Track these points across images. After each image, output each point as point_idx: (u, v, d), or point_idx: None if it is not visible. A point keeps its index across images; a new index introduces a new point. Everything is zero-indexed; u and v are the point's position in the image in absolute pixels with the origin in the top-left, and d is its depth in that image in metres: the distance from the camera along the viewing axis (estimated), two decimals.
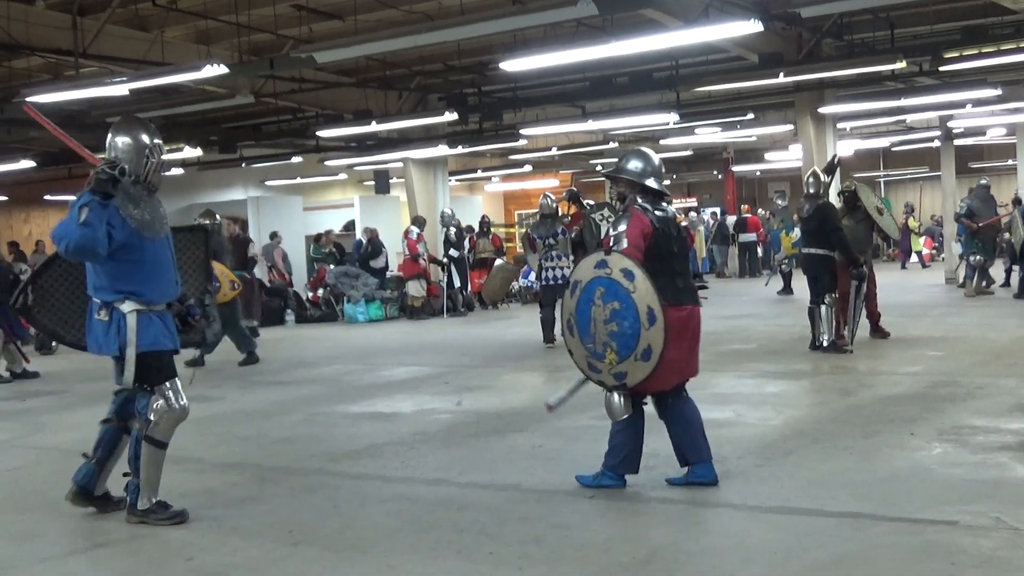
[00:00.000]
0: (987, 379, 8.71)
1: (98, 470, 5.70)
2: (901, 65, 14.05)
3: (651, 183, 5.71)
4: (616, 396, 5.58)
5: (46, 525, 5.65)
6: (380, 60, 16.31)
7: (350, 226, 23.66)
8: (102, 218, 5.25)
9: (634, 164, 5.77)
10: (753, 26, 10.81)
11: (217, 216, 13.58)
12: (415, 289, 18.95)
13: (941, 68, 15.34)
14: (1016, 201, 18.27)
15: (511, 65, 12.72)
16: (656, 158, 5.87)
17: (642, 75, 17.60)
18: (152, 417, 5.45)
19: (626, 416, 5.59)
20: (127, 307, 5.39)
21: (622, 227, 5.58)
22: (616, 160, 6.08)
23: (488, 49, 16.05)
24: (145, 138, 5.56)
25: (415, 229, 18.88)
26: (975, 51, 14.38)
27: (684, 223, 5.72)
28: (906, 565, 4.33)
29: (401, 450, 7.09)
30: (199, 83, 14.50)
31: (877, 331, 11.94)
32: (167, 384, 5.48)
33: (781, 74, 14.53)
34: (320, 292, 20.52)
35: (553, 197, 13.80)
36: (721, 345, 12.19)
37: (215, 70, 11.29)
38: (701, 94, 18.55)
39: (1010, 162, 27.38)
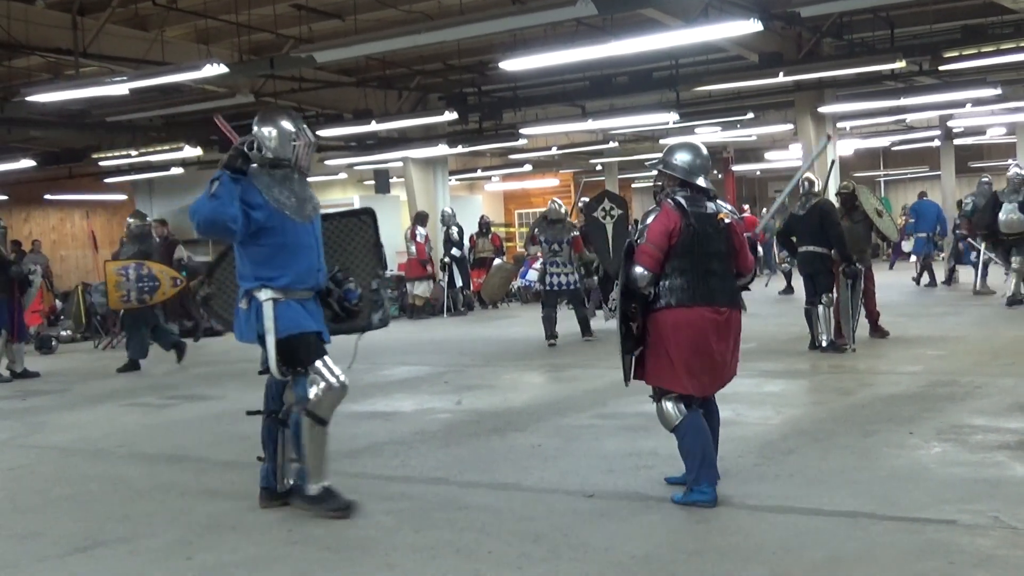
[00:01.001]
0: (986, 378, 8.72)
1: (273, 467, 5.72)
2: (901, 64, 14.08)
3: (695, 180, 5.48)
4: (667, 403, 5.37)
5: (46, 524, 5.66)
6: (380, 60, 16.32)
7: None
8: (234, 193, 5.25)
9: (679, 158, 5.52)
10: (753, 25, 10.82)
11: (148, 217, 13.83)
12: (422, 289, 18.91)
13: (941, 67, 15.38)
14: None
15: (511, 64, 12.73)
16: (705, 152, 5.62)
17: (642, 74, 17.61)
18: (312, 397, 5.45)
19: (681, 419, 5.33)
20: (264, 295, 5.41)
21: (648, 220, 5.43)
22: (658, 154, 5.95)
23: (488, 48, 16.06)
24: (288, 125, 5.52)
25: (422, 230, 18.72)
26: (974, 51, 14.39)
27: (728, 220, 5.40)
28: (905, 564, 4.34)
29: (401, 449, 7.09)
30: (199, 82, 14.53)
31: (876, 330, 11.94)
32: (319, 363, 5.46)
33: (781, 73, 14.55)
34: None
35: (561, 203, 13.79)
36: None
37: (215, 69, 11.30)
38: (701, 93, 18.57)
39: (1010, 161, 27.39)
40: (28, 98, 13.26)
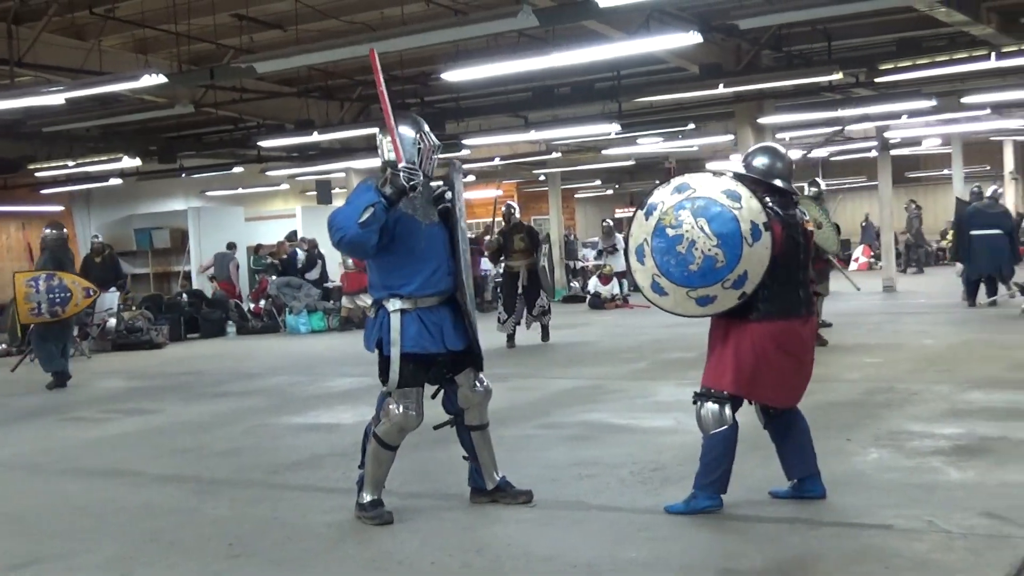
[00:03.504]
0: (922, 385, 8.86)
1: (477, 465, 5.71)
2: (838, 76, 14.26)
3: (779, 183, 5.32)
4: (710, 405, 5.22)
5: None
6: (322, 70, 16.24)
7: (292, 236, 23.53)
8: (382, 222, 5.23)
9: (760, 161, 5.37)
10: (692, 38, 10.92)
11: (64, 228, 13.58)
12: (352, 301, 18.86)
13: (877, 79, 15.59)
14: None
15: (453, 75, 12.73)
16: (787, 155, 5.44)
17: (584, 85, 17.68)
18: (381, 420, 5.42)
19: (722, 428, 5.21)
20: (392, 305, 5.36)
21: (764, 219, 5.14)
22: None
23: (430, 59, 16.04)
24: (411, 130, 5.53)
25: None
26: (910, 63, 14.62)
27: (811, 228, 5.27)
28: (843, 568, 4.40)
29: (343, 461, 7.05)
30: (137, 92, 14.34)
31: (815, 339, 12.06)
32: (404, 390, 5.39)
33: (721, 85, 14.67)
34: (262, 303, 20.37)
35: (515, 206, 14.23)
36: (663, 353, 12.29)
37: (154, 79, 11.18)
38: (643, 104, 18.68)
39: (945, 172, 27.92)
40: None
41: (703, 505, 5.22)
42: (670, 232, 5.10)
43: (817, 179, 14.75)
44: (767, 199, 5.19)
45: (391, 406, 5.39)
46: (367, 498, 5.48)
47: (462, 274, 5.56)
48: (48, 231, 13.15)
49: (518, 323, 14.03)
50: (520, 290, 14.05)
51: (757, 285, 5.06)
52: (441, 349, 5.42)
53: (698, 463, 5.29)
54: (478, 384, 5.61)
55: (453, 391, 5.64)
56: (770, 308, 5.17)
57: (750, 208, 5.02)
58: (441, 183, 5.72)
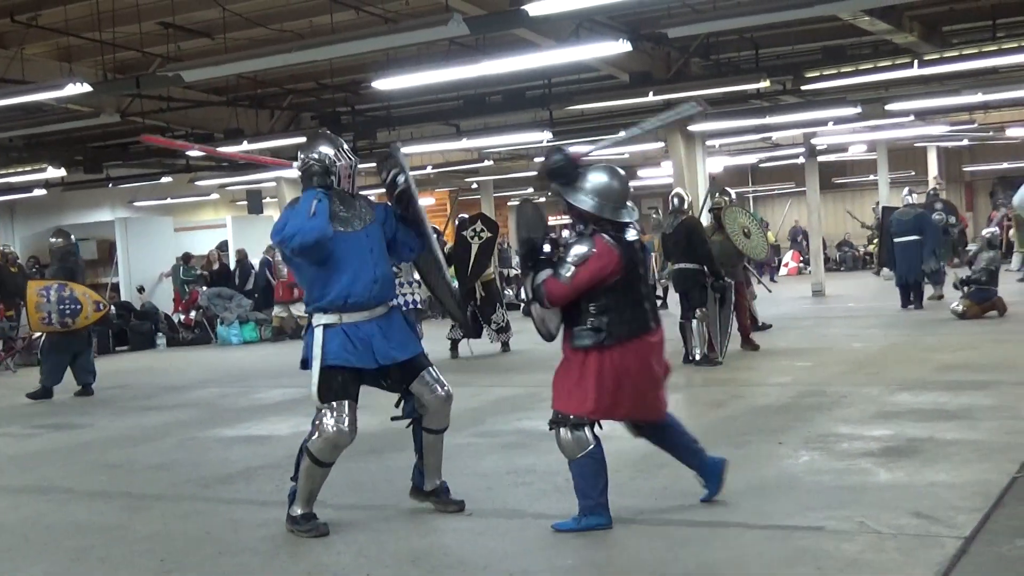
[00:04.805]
0: (851, 388, 8.99)
1: (422, 466, 5.69)
2: (765, 84, 14.46)
3: (614, 214, 5.17)
4: (570, 431, 5.11)
5: None
6: (251, 78, 16.10)
7: (223, 246, 23.28)
8: (327, 213, 5.20)
9: (593, 186, 5.17)
10: (622, 46, 11.01)
11: (72, 236, 13.25)
12: (286, 310, 18.71)
13: (803, 87, 15.83)
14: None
15: (384, 84, 12.70)
16: (622, 177, 5.28)
17: (515, 94, 17.73)
18: (314, 433, 5.34)
19: (587, 450, 5.10)
20: (317, 320, 5.34)
21: (575, 259, 5.08)
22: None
23: (361, 68, 15.99)
24: (330, 148, 5.48)
25: None
26: (835, 71, 14.88)
27: (647, 240, 5.13)
28: (776, 570, 4.44)
29: (276, 473, 6.98)
30: (62, 101, 14.10)
31: (747, 343, 12.21)
32: (335, 404, 5.32)
33: (651, 93, 14.81)
34: (192, 314, 20.11)
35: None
36: None
37: (78, 88, 11.01)
38: (574, 112, 18.78)
39: (871, 177, 28.41)
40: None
41: (592, 523, 5.11)
42: None
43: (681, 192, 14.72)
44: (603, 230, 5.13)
45: (325, 420, 5.33)
46: (299, 511, 5.41)
47: (434, 252, 5.73)
48: (54, 240, 12.85)
49: (469, 336, 13.66)
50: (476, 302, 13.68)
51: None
52: (370, 364, 5.36)
53: (581, 484, 5.18)
54: (438, 387, 5.55)
55: (411, 400, 5.59)
56: (620, 331, 5.11)
57: None
58: (388, 167, 5.69)
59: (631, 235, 5.26)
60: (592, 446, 5.12)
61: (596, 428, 5.19)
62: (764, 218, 28.74)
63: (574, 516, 5.19)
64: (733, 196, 13.05)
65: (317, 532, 5.33)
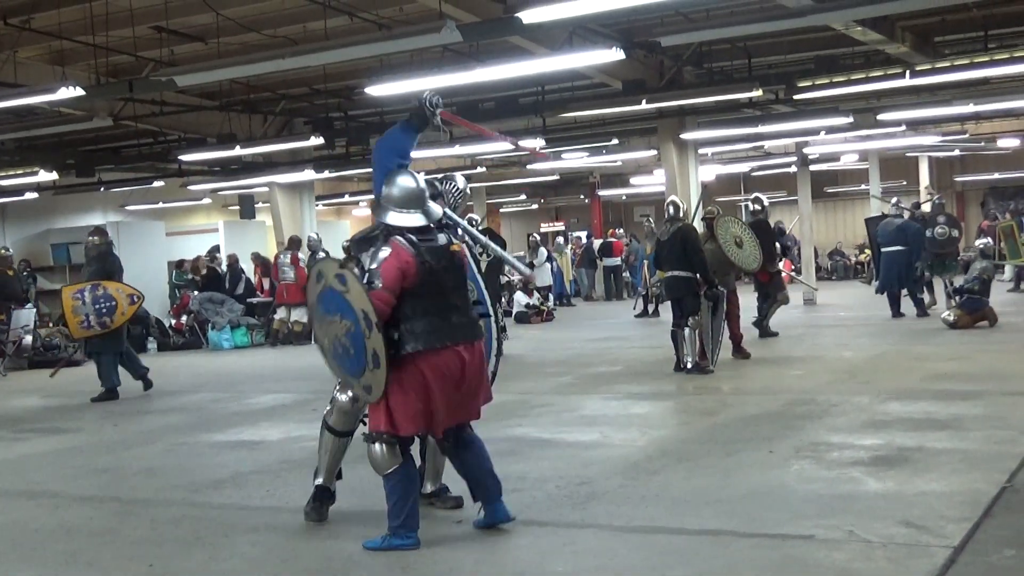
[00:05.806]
0: (842, 397, 9.00)
1: (423, 469, 5.87)
2: (757, 93, 14.51)
3: (407, 217, 5.17)
4: (377, 447, 5.06)
5: None
6: (244, 83, 16.11)
7: (215, 251, 23.25)
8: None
9: (395, 192, 5.23)
10: (615, 54, 11.04)
11: (108, 234, 13.09)
12: (300, 314, 18.60)
13: (795, 96, 15.89)
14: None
15: (377, 90, 12.71)
16: (417, 180, 5.31)
17: (508, 100, 17.77)
18: (330, 409, 5.76)
19: (395, 467, 5.05)
20: None
21: (375, 264, 5.04)
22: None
23: (354, 73, 16.00)
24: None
25: (302, 256, 18.33)
26: (827, 80, 14.95)
27: (458, 248, 5.05)
28: None
29: (266, 479, 6.97)
30: (54, 105, 14.10)
31: (739, 352, 12.22)
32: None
33: (644, 101, 14.85)
34: (184, 319, 20.07)
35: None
36: (588, 367, 12.34)
37: (71, 92, 11.01)
38: (567, 119, 18.83)
39: (863, 187, 28.49)
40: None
41: (396, 544, 5.02)
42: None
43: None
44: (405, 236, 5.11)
45: (337, 395, 5.69)
46: (320, 480, 5.77)
47: None
48: (91, 239, 12.52)
49: None
50: None
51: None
52: None
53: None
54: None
55: None
56: (417, 343, 5.00)
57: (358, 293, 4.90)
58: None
59: (441, 240, 5.22)
60: (400, 464, 5.06)
61: (411, 444, 5.20)
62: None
63: (383, 535, 5.11)
64: (766, 203, 13.21)
65: (312, 515, 5.72)
